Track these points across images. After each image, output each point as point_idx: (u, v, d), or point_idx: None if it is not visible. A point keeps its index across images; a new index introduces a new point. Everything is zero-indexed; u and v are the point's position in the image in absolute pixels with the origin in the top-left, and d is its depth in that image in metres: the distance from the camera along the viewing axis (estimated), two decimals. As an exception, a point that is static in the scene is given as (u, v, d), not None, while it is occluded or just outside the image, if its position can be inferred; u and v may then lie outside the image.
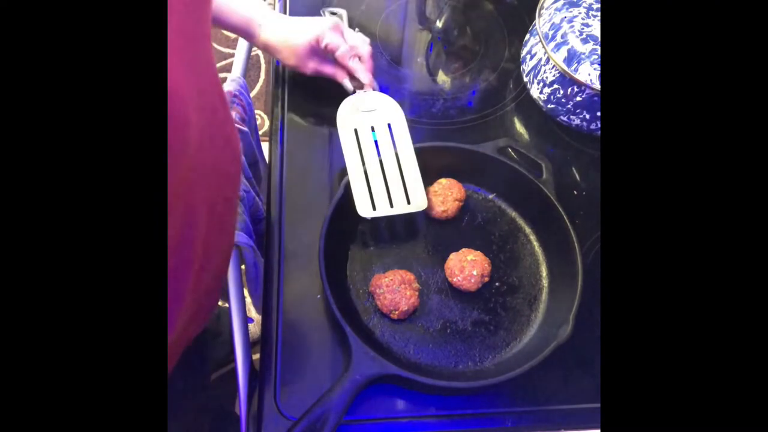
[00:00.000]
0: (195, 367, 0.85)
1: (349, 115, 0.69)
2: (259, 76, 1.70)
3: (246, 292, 0.75)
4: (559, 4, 0.72)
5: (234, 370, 0.60)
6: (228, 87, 0.77)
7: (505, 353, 0.62)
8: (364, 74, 0.72)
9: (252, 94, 1.65)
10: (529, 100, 0.78)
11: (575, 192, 0.73)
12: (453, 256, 0.65)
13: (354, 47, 0.72)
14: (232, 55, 0.76)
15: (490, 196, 0.71)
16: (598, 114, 0.71)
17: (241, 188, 0.70)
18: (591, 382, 0.61)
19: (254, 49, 0.80)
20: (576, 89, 0.70)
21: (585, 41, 0.68)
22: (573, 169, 0.76)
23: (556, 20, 0.71)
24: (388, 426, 0.58)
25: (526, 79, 0.77)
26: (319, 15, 0.84)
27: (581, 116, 0.72)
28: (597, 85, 0.67)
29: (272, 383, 0.58)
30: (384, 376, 0.56)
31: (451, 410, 0.59)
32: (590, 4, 0.71)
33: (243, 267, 0.68)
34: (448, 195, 0.68)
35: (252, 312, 1.26)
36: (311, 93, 0.78)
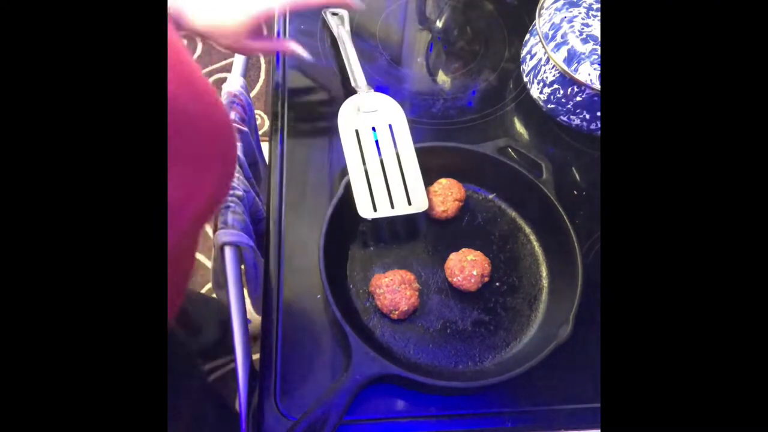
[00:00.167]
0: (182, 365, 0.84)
1: (351, 116, 0.69)
2: (259, 76, 1.70)
3: (246, 292, 0.75)
4: (559, 4, 0.72)
5: (234, 370, 0.60)
6: (228, 87, 0.77)
7: (505, 353, 0.62)
8: None
9: (252, 94, 1.65)
10: (529, 100, 0.78)
11: (575, 192, 0.73)
12: (453, 256, 0.65)
13: None
14: (232, 55, 0.76)
15: (490, 196, 0.71)
16: (598, 114, 0.71)
17: (241, 188, 0.70)
18: (591, 382, 0.61)
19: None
20: (576, 89, 0.70)
21: (585, 41, 0.68)
22: (573, 169, 0.76)
23: (556, 20, 0.71)
24: (388, 426, 0.58)
25: (526, 79, 0.77)
26: (320, 16, 0.84)
27: (581, 116, 0.72)
28: (597, 85, 0.67)
29: (272, 383, 0.58)
30: (384, 376, 0.56)
31: (451, 410, 0.59)
32: (590, 4, 0.71)
33: (243, 267, 0.68)
34: (448, 195, 0.68)
35: (252, 312, 1.26)
36: (311, 93, 0.78)
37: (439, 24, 0.90)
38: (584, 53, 0.68)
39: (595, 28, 0.69)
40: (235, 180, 0.69)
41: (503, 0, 0.92)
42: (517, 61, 0.80)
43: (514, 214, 0.70)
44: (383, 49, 0.84)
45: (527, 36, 0.77)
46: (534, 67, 0.74)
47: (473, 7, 0.91)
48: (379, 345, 0.61)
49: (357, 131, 0.68)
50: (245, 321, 0.62)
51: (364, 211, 0.64)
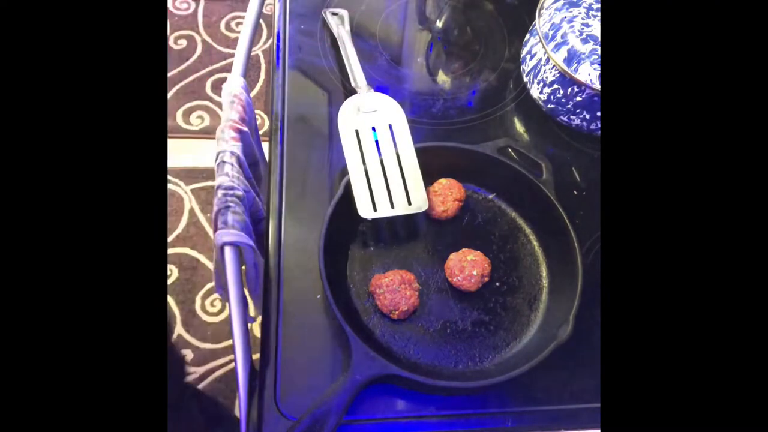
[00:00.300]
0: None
1: (351, 116, 0.69)
2: (259, 76, 1.69)
3: (246, 292, 0.75)
4: (559, 4, 0.72)
5: (234, 370, 0.60)
6: (228, 87, 0.77)
7: (505, 353, 0.62)
8: None
9: (252, 94, 1.65)
10: (529, 100, 0.78)
11: (575, 192, 0.73)
12: (453, 256, 0.65)
13: None
14: (232, 55, 0.76)
15: (490, 196, 0.71)
16: (598, 114, 0.71)
17: (241, 188, 0.70)
18: (591, 382, 0.61)
19: (254, 49, 0.80)
20: (576, 89, 0.70)
21: (585, 41, 0.68)
22: (573, 169, 0.76)
23: (556, 20, 0.71)
24: (388, 426, 0.58)
25: (526, 79, 0.77)
26: (320, 16, 0.84)
27: (581, 116, 0.72)
28: (597, 85, 0.67)
29: (272, 383, 0.58)
30: (384, 376, 0.56)
31: (451, 410, 0.59)
32: (590, 4, 0.71)
33: (243, 267, 0.68)
34: (448, 195, 0.68)
35: (252, 312, 1.26)
36: (311, 93, 0.78)
37: (439, 24, 0.90)
38: (584, 53, 0.68)
39: (595, 28, 0.69)
40: (236, 180, 0.69)
41: (503, 0, 0.92)
42: (517, 61, 0.80)
43: (514, 214, 0.70)
44: (383, 49, 0.84)
45: (527, 36, 0.77)
46: (534, 67, 0.74)
47: (473, 7, 0.91)
48: (379, 345, 0.61)
49: (357, 131, 0.68)
50: (245, 321, 0.62)
51: (364, 211, 0.64)
